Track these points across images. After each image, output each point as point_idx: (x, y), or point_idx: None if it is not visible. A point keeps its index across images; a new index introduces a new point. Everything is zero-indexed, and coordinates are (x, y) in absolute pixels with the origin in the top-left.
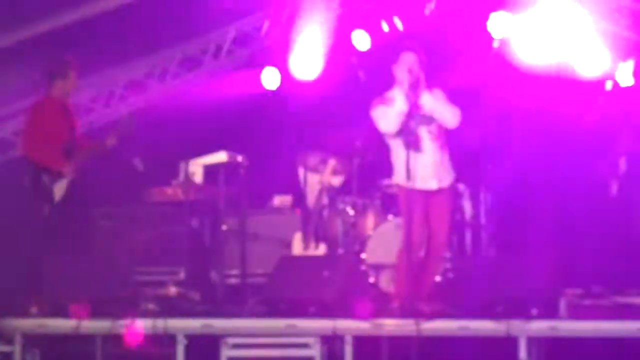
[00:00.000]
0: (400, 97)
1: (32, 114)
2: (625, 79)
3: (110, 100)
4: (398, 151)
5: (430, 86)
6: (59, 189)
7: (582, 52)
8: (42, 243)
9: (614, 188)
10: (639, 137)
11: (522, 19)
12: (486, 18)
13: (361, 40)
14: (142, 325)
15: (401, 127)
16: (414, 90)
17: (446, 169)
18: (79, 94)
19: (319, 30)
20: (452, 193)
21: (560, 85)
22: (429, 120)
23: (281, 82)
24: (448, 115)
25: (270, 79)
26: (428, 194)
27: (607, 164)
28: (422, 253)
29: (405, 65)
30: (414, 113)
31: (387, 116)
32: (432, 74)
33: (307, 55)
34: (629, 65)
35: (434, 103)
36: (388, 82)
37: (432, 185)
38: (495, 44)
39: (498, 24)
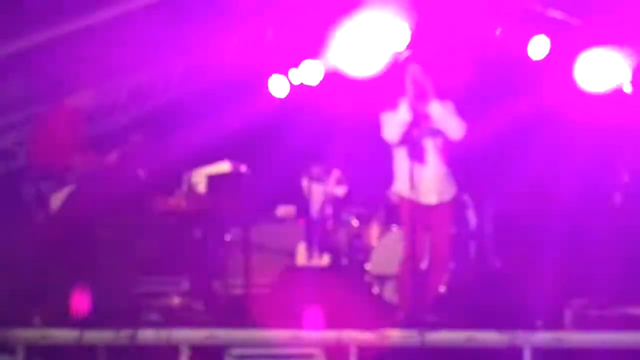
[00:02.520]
0: (404, 106)
1: (42, 121)
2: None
3: (114, 109)
4: (402, 161)
5: (441, 97)
6: (57, 199)
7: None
8: (39, 252)
9: (618, 199)
10: None
11: None
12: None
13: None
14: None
15: (404, 136)
16: (419, 101)
17: (448, 182)
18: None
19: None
20: (454, 205)
21: (565, 96)
22: (434, 132)
23: (287, 91)
24: (454, 127)
25: (277, 87)
26: (429, 207)
27: (611, 175)
28: (425, 264)
29: (410, 76)
30: (420, 123)
31: (391, 124)
32: (439, 84)
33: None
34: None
35: (441, 114)
36: (397, 91)
37: (433, 199)
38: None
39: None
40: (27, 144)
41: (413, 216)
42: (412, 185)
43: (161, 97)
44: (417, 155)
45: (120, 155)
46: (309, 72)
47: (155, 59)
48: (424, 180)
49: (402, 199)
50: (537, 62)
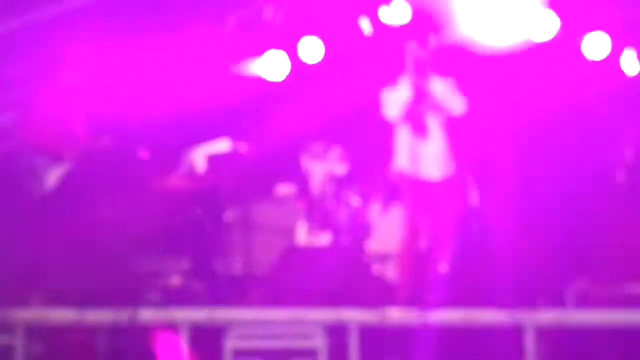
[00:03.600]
0: (405, 83)
1: (38, 99)
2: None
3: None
4: (403, 138)
5: (442, 74)
6: (53, 175)
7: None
8: (37, 231)
9: (621, 176)
10: None
11: None
12: None
13: (365, 24)
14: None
15: (405, 113)
16: (420, 78)
17: (450, 159)
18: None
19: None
20: (457, 183)
21: (569, 70)
22: (437, 108)
23: (285, 69)
24: (455, 103)
25: (273, 65)
26: (432, 183)
27: (614, 152)
28: (425, 242)
29: (410, 54)
30: (421, 100)
31: (392, 102)
32: (440, 61)
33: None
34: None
35: (441, 90)
36: (398, 67)
37: (436, 174)
38: None
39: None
40: (23, 122)
41: (414, 193)
42: (414, 161)
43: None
44: (419, 131)
45: (118, 137)
46: (309, 50)
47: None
48: (426, 156)
49: (403, 175)
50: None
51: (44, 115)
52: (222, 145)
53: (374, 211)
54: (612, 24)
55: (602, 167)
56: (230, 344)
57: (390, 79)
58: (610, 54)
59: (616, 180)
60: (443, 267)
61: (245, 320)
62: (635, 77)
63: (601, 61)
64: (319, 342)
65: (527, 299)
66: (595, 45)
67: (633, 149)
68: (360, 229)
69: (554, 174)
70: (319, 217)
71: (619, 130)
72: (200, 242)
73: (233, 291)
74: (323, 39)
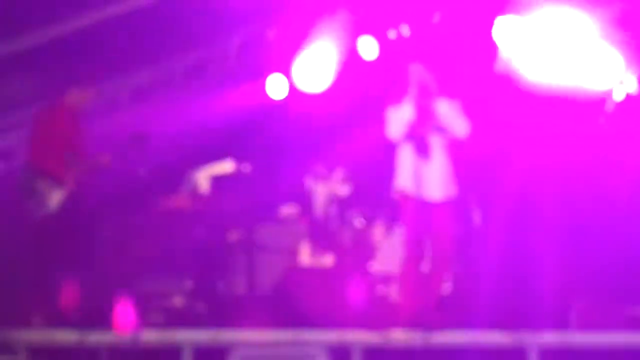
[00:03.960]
0: (409, 104)
1: (40, 119)
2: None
3: (114, 110)
4: (406, 158)
5: (447, 95)
6: (55, 197)
7: (589, 63)
8: (39, 252)
9: (621, 200)
10: None
11: (527, 26)
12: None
13: (368, 47)
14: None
15: (408, 134)
16: (423, 100)
17: (453, 180)
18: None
19: (326, 39)
20: (458, 204)
21: (567, 100)
22: (440, 129)
23: (288, 91)
24: (459, 125)
25: (276, 87)
26: (433, 205)
27: (614, 176)
28: (428, 263)
29: (414, 76)
30: (424, 121)
31: (395, 122)
32: (442, 83)
33: (315, 65)
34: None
35: (445, 112)
36: (402, 88)
37: (438, 195)
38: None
39: (504, 30)
40: (26, 142)
41: (417, 214)
42: (416, 182)
43: (162, 96)
44: (422, 151)
45: (118, 155)
46: (307, 74)
47: (155, 58)
48: (429, 177)
49: (406, 196)
50: None
51: (46, 138)
52: (225, 166)
53: (377, 232)
54: None
55: (602, 188)
56: None
57: (394, 99)
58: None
59: (617, 203)
60: (446, 288)
61: (249, 342)
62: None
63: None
64: None
65: (530, 321)
66: None
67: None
68: (363, 249)
69: (557, 196)
70: (322, 238)
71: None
72: (203, 262)
73: (236, 312)
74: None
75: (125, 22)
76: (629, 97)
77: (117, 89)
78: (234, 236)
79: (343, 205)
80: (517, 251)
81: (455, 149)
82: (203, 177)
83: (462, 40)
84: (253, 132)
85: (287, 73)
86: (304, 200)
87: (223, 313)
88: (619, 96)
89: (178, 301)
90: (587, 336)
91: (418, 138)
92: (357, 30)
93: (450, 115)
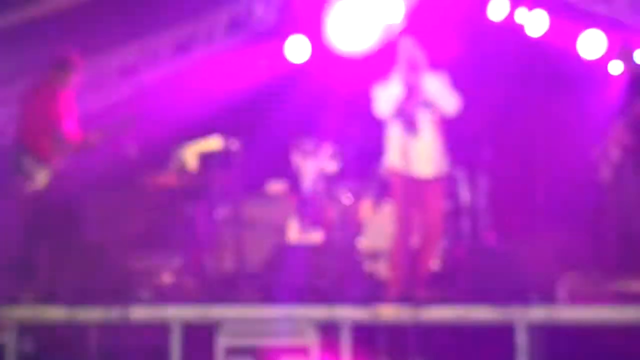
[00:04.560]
0: (397, 80)
1: (28, 98)
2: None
3: (103, 87)
4: (395, 135)
5: (435, 68)
6: (42, 176)
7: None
8: (27, 230)
9: (606, 173)
10: (630, 127)
11: None
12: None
13: None
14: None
15: (397, 110)
16: (412, 74)
17: (442, 156)
18: None
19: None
20: (447, 181)
21: (558, 70)
22: (429, 105)
23: (279, 65)
24: (447, 102)
25: (271, 60)
26: (423, 181)
27: (600, 150)
28: (417, 239)
29: (403, 50)
30: (413, 97)
31: (383, 99)
32: (433, 55)
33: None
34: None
35: (435, 87)
36: (388, 64)
37: (428, 172)
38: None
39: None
40: (14, 120)
41: (405, 191)
42: (405, 158)
43: (151, 74)
44: (410, 128)
45: (107, 133)
46: (298, 48)
47: (144, 35)
48: (418, 154)
49: (394, 173)
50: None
51: (33, 116)
52: (213, 142)
53: (366, 208)
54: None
55: (588, 165)
56: (222, 341)
57: (382, 75)
58: (605, 53)
59: (603, 178)
60: (434, 264)
61: (237, 318)
62: (619, 76)
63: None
64: (311, 339)
65: (519, 296)
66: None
67: (618, 146)
68: (352, 226)
69: (546, 171)
70: (311, 215)
71: (604, 129)
72: (191, 239)
73: (225, 288)
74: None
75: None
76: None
77: (105, 66)
78: (222, 213)
79: (331, 181)
80: (506, 227)
81: (444, 124)
82: (191, 154)
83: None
84: (241, 108)
85: (281, 46)
86: (292, 176)
87: (212, 289)
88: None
89: (167, 278)
90: (576, 311)
91: (407, 114)
92: None
93: (439, 90)
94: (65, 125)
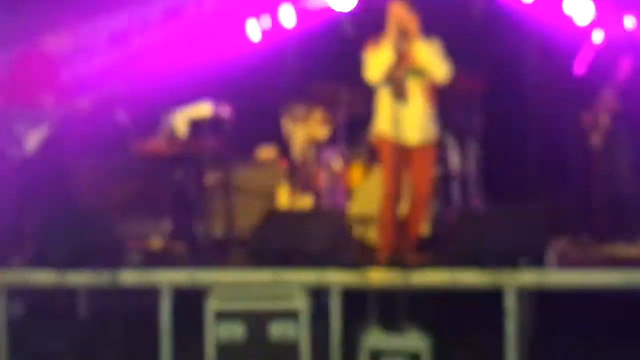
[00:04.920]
0: (387, 45)
1: (17, 63)
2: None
3: (93, 53)
4: (384, 101)
5: (427, 33)
6: (33, 139)
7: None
8: (17, 194)
9: (596, 140)
10: (621, 94)
11: None
12: None
13: None
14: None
15: (387, 76)
16: (403, 40)
17: (432, 124)
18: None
19: None
20: (437, 147)
21: (547, 35)
22: (419, 72)
23: (266, 32)
24: (438, 69)
25: (254, 27)
26: (412, 147)
27: (590, 117)
28: (406, 205)
29: (394, 15)
30: (403, 63)
31: (373, 64)
32: (425, 21)
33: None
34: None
35: (425, 54)
36: (379, 29)
37: (417, 138)
38: None
39: None
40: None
41: (395, 157)
42: (395, 124)
43: (140, 41)
44: (400, 94)
45: (96, 99)
46: (285, 15)
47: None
48: (407, 120)
49: (383, 139)
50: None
51: (23, 82)
52: (203, 108)
53: (355, 174)
54: None
55: (578, 131)
56: (212, 305)
57: (372, 40)
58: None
59: (593, 144)
60: (424, 229)
61: (227, 282)
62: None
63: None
64: (301, 304)
65: (508, 260)
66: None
67: (610, 117)
68: (342, 191)
69: (535, 136)
70: (300, 180)
71: (594, 95)
72: (181, 204)
73: (214, 253)
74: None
75: None
76: None
77: (93, 33)
78: (211, 178)
79: (321, 146)
80: (495, 191)
81: (435, 90)
82: (181, 120)
83: None
84: (231, 74)
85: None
86: (282, 142)
87: (202, 255)
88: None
89: (157, 242)
90: (565, 275)
91: (396, 81)
92: None
93: (430, 56)
94: (55, 91)
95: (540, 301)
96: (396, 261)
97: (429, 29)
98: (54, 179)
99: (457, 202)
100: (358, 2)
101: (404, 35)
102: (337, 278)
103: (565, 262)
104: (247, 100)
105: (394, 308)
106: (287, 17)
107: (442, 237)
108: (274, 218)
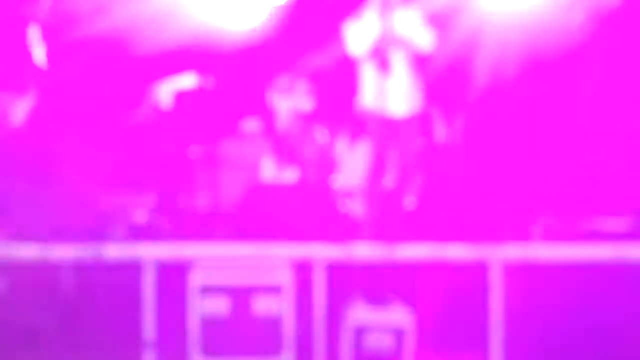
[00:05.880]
0: (371, 17)
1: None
2: None
3: (76, 22)
4: (369, 73)
5: (408, 4)
6: (20, 111)
7: None
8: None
9: (584, 118)
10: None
11: None
12: None
13: None
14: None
15: (371, 48)
16: (386, 11)
17: (417, 95)
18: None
19: None
20: (422, 119)
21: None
22: (403, 43)
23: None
24: (422, 38)
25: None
26: (397, 120)
27: (577, 96)
28: (392, 177)
29: None
30: (386, 35)
31: (357, 37)
32: None
33: None
34: None
35: (408, 24)
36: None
37: (403, 110)
38: None
39: None
40: None
41: (380, 129)
42: (380, 97)
43: (124, 12)
44: (384, 67)
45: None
46: None
47: None
48: (392, 92)
49: (369, 111)
50: None
51: (6, 50)
52: (187, 81)
53: (341, 147)
54: None
55: (567, 107)
56: (196, 279)
57: (355, 12)
58: None
59: (581, 121)
60: (409, 203)
61: (211, 256)
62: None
63: None
64: (285, 277)
65: (493, 235)
66: None
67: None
68: (327, 164)
69: (522, 111)
70: (285, 153)
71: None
72: (165, 178)
73: (199, 227)
74: None
75: None
76: None
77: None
78: (196, 151)
79: (306, 119)
80: (482, 166)
81: (419, 62)
82: (165, 92)
83: None
84: (215, 46)
85: None
86: (267, 115)
87: (186, 228)
88: None
89: (141, 216)
90: (551, 249)
91: (380, 53)
92: None
93: (414, 27)
94: (40, 59)
95: (525, 274)
96: (381, 235)
97: None
98: (38, 152)
99: (443, 175)
100: None
101: (386, 7)
102: (321, 252)
103: (551, 236)
104: (231, 72)
105: (379, 282)
106: None
107: (428, 210)
108: (258, 192)
